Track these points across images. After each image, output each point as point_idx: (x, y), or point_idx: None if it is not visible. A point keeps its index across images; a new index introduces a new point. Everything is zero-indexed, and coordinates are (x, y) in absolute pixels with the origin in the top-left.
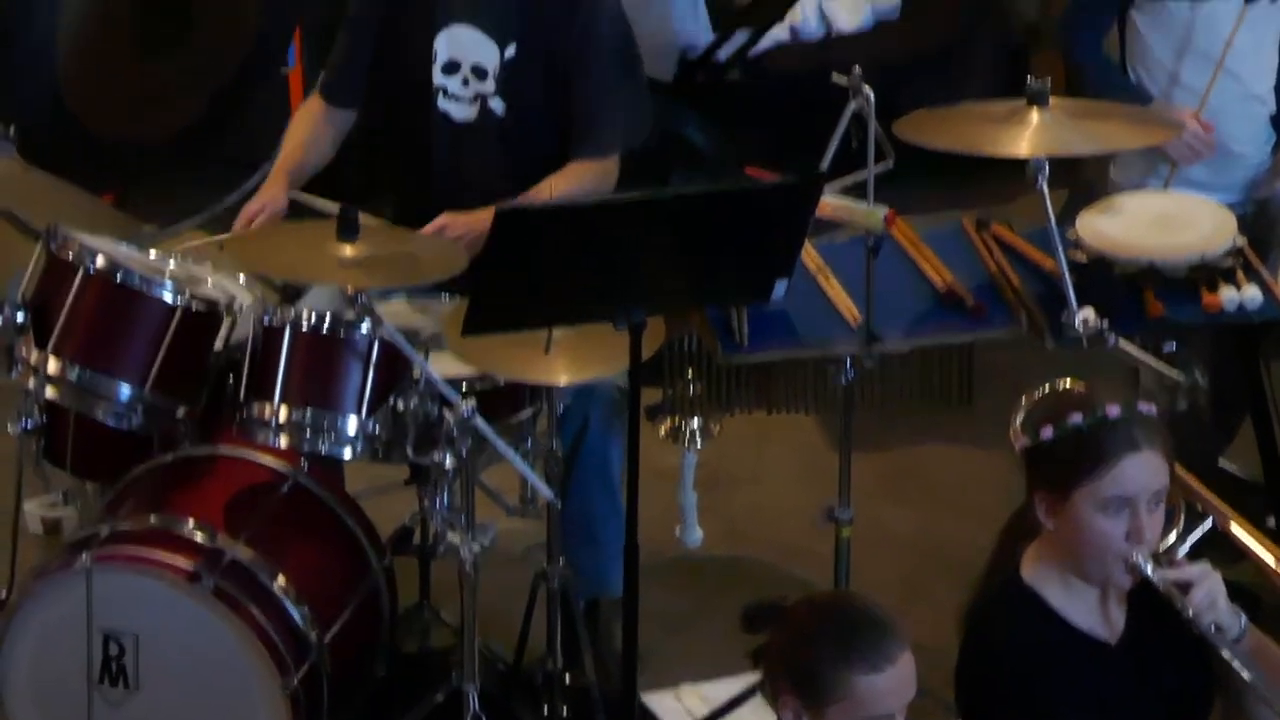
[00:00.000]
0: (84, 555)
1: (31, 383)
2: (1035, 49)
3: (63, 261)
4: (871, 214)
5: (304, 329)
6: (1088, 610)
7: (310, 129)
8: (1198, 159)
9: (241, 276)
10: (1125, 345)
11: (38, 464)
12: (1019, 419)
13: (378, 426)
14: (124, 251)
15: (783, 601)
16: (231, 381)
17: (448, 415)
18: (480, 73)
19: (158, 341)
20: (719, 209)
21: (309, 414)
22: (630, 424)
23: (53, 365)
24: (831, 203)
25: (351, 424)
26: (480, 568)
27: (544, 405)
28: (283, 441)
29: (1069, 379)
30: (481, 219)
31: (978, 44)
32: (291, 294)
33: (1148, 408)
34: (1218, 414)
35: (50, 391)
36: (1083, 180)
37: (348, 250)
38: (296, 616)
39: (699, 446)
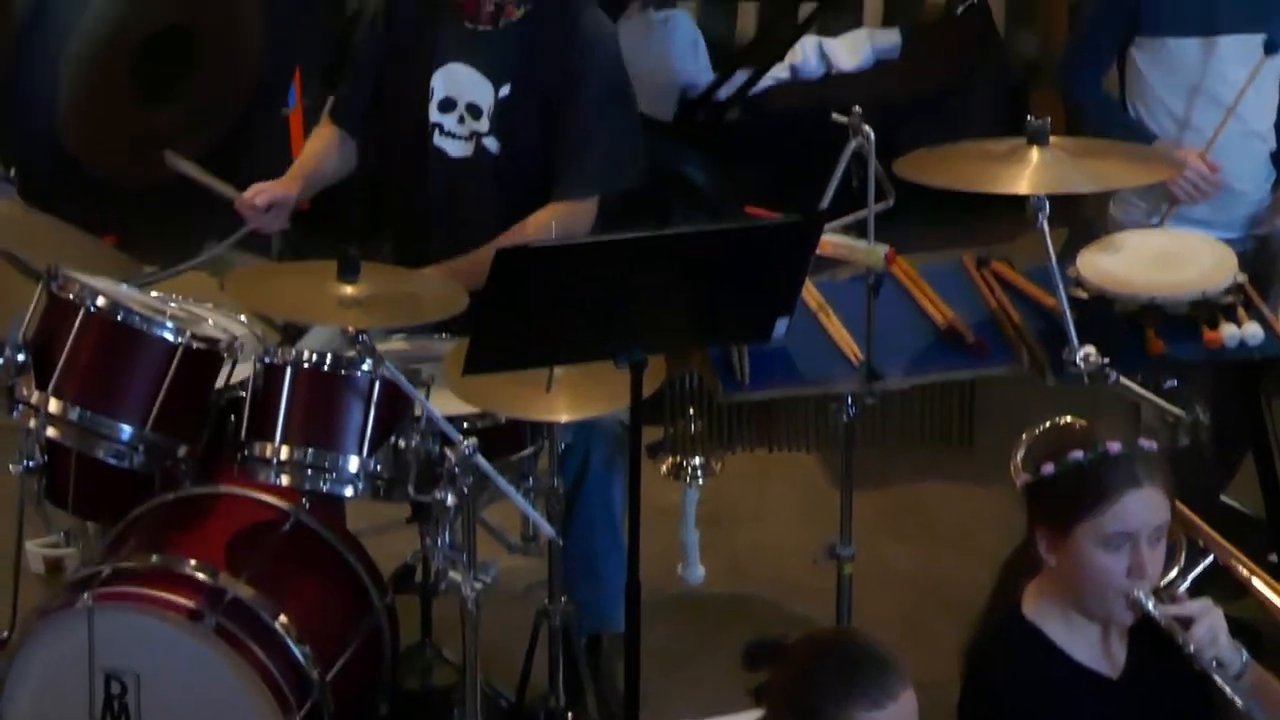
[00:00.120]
0: (85, 594)
1: (33, 423)
2: (1035, 87)
3: (64, 302)
4: (872, 252)
5: (305, 368)
6: (1089, 646)
7: (325, 144)
8: (1203, 198)
9: (242, 316)
10: (1126, 382)
11: (39, 504)
12: (1020, 455)
13: (379, 465)
14: (125, 291)
15: (784, 639)
16: (233, 420)
17: (449, 453)
18: (475, 111)
19: (159, 381)
20: (720, 248)
21: (310, 453)
22: (631, 462)
23: (54, 405)
24: (832, 241)
25: (353, 462)
26: (482, 605)
27: (545, 443)
28: (284, 480)
29: (1070, 415)
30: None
31: (978, 83)
32: (293, 333)
33: (1149, 444)
34: (1219, 450)
35: (51, 431)
36: (1083, 218)
37: (348, 290)
38: (298, 655)
39: (700, 484)
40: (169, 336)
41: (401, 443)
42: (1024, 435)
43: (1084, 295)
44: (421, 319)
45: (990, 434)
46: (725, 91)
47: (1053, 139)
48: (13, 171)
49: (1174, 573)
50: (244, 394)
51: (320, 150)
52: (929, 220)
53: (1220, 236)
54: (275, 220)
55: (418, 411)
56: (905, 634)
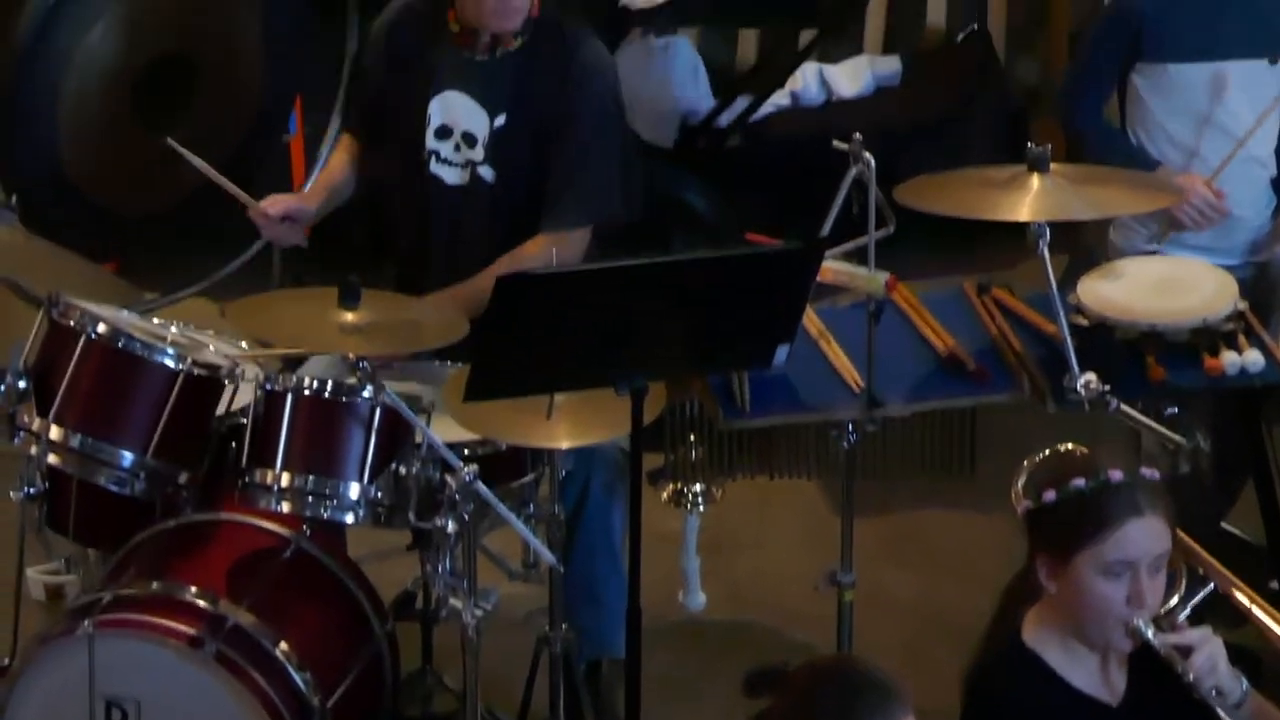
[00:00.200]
0: (86, 621)
1: (34, 449)
2: (1035, 115)
3: (64, 329)
4: (873, 279)
5: (306, 395)
6: (1088, 673)
7: (350, 155)
8: (1209, 225)
9: (243, 343)
10: (1127, 409)
11: (40, 530)
12: (1021, 482)
13: (380, 492)
14: (125, 318)
15: (785, 666)
16: (233, 447)
17: (450, 480)
18: (470, 139)
19: (160, 407)
20: (720, 275)
21: (311, 480)
22: (632, 489)
23: (55, 432)
24: (833, 268)
25: (353, 489)
26: (483, 632)
27: (546, 469)
28: (285, 507)
29: (1072, 442)
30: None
31: (978, 110)
32: (293, 360)
33: (1151, 472)
34: (1220, 477)
35: (53, 458)
36: (1083, 245)
37: (349, 317)
38: (299, 682)
39: (701, 511)
40: (170, 363)
41: (402, 469)
42: (1026, 462)
43: (1085, 322)
44: (422, 346)
45: (991, 461)
46: (726, 118)
47: (1053, 166)
48: (13, 199)
49: (1174, 600)
50: (245, 421)
51: (346, 162)
52: (930, 247)
53: (1220, 263)
54: (291, 234)
55: (418, 438)
56: (906, 661)
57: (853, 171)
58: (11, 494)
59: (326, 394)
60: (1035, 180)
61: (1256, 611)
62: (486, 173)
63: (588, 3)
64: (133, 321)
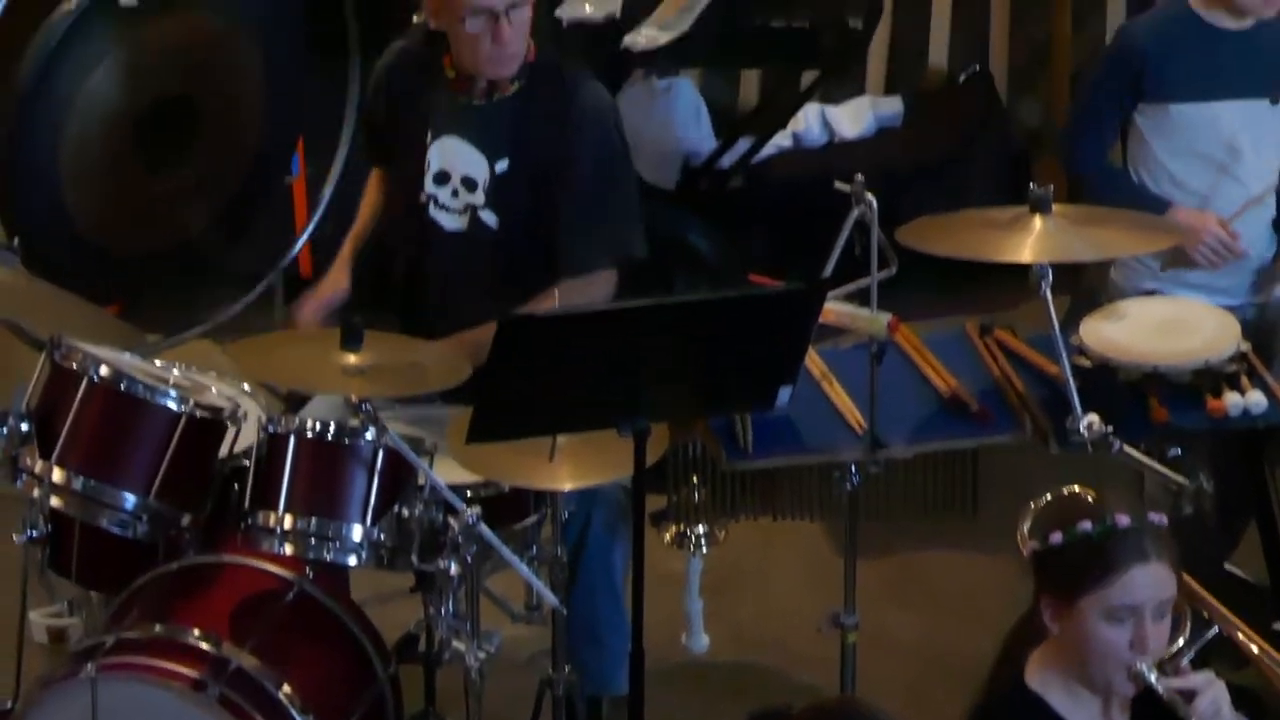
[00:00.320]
0: (89, 664)
1: (36, 492)
2: (1037, 156)
3: (67, 371)
4: (875, 320)
5: (308, 437)
6: (1091, 716)
7: (375, 199)
8: (1222, 264)
9: (246, 384)
10: (1130, 451)
11: (43, 573)
12: (1027, 524)
13: (383, 534)
14: (128, 361)
15: (789, 708)
16: (236, 489)
17: (452, 522)
18: (470, 184)
19: (162, 450)
20: (723, 316)
21: (314, 522)
22: (635, 530)
23: (57, 475)
24: (835, 309)
25: (356, 532)
26: (486, 674)
27: (548, 511)
28: (287, 549)
29: (1079, 485)
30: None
31: (980, 151)
32: (296, 402)
33: (1158, 518)
34: (1223, 518)
35: (55, 501)
36: (1085, 286)
37: (351, 359)
38: None
39: (704, 552)
40: (172, 405)
41: (405, 511)
42: (1032, 503)
43: (1087, 363)
44: (425, 388)
45: (994, 502)
46: (728, 159)
47: (1055, 207)
48: (15, 241)
49: (1179, 643)
50: (247, 463)
51: (372, 208)
52: (932, 288)
53: (1221, 303)
54: (332, 317)
55: (421, 480)
56: (909, 703)
57: (855, 212)
58: (14, 537)
59: (329, 436)
60: (1037, 221)
61: (1260, 653)
62: (488, 217)
63: (590, 45)
64: (135, 364)
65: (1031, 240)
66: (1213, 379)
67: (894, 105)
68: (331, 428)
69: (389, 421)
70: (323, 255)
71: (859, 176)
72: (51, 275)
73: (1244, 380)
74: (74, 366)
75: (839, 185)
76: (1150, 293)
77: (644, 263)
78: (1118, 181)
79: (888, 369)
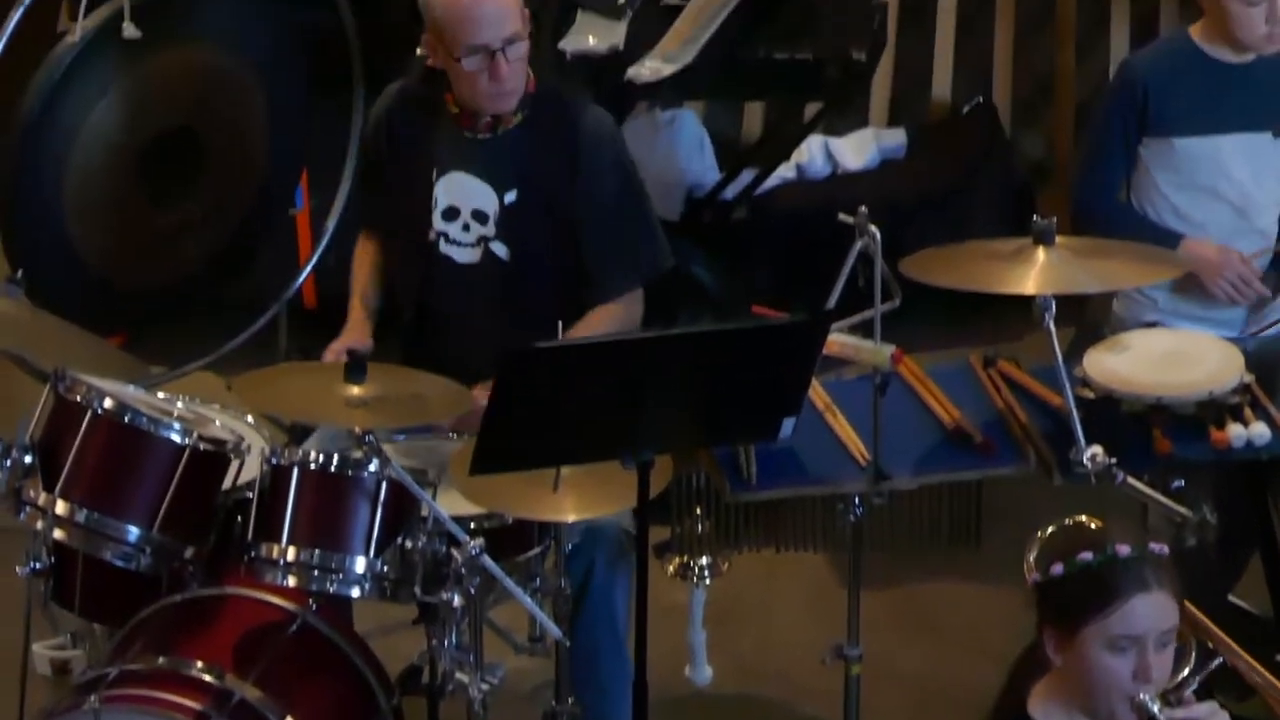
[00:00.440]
0: (92, 697)
1: (40, 524)
2: (1041, 187)
3: (71, 403)
4: (878, 352)
5: (311, 469)
6: None
7: (372, 262)
8: (1244, 301)
9: (249, 417)
10: (1133, 482)
11: (46, 606)
12: (1033, 554)
13: (386, 566)
14: (131, 393)
15: None
16: (239, 521)
17: (456, 554)
18: (481, 217)
19: (166, 482)
20: (726, 348)
21: (317, 554)
22: (639, 562)
23: (61, 507)
24: (838, 341)
25: (359, 564)
26: (489, 706)
27: (552, 543)
28: (291, 581)
29: (1085, 515)
30: None
31: (983, 183)
32: (299, 434)
33: (1159, 547)
34: (1226, 550)
35: (58, 533)
36: (1089, 317)
37: (355, 390)
38: None
39: (707, 584)
40: (176, 438)
41: (408, 543)
42: (1038, 534)
43: (1091, 395)
44: (428, 420)
45: (998, 534)
46: (731, 191)
47: (1059, 239)
48: (20, 273)
49: (1183, 674)
50: (251, 495)
51: (370, 272)
52: (935, 320)
53: (1223, 335)
54: None
55: (424, 512)
56: None
57: (858, 244)
58: (17, 569)
59: (332, 468)
60: (1041, 253)
61: (1264, 684)
62: (500, 249)
63: (593, 77)
64: (139, 396)
65: (1035, 272)
66: (1216, 410)
67: (897, 137)
68: (334, 460)
69: (392, 453)
70: (326, 287)
71: (862, 208)
72: (55, 307)
73: (1247, 412)
74: (78, 399)
75: (842, 217)
76: (1152, 324)
77: (647, 294)
78: (1130, 218)
79: (891, 401)
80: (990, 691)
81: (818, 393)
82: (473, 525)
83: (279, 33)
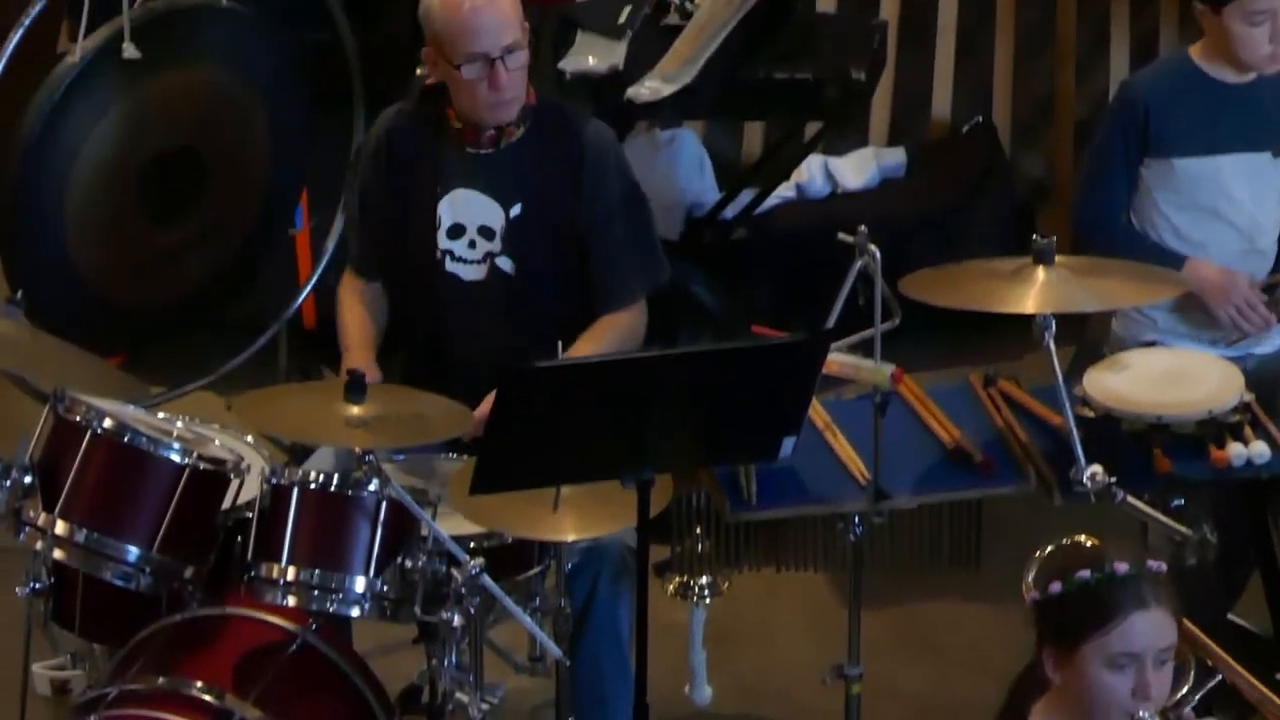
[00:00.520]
0: (92, 717)
1: (39, 545)
2: (1040, 207)
3: (70, 423)
4: (878, 371)
5: (311, 489)
6: None
7: (361, 308)
8: (1251, 329)
9: (249, 436)
10: (1133, 501)
11: (46, 626)
12: (1032, 573)
13: (386, 585)
14: (131, 413)
15: None
16: (239, 541)
17: (456, 573)
18: (488, 233)
19: (165, 502)
20: (726, 367)
21: (317, 574)
22: (639, 581)
23: (61, 527)
24: (838, 360)
25: (359, 583)
26: None
27: (552, 562)
28: (291, 601)
29: (1084, 534)
30: None
31: (983, 202)
32: (299, 453)
33: (1157, 565)
34: (1226, 569)
35: (58, 553)
36: (1089, 337)
37: (355, 410)
38: None
39: (708, 603)
40: (176, 458)
41: (408, 563)
42: (1037, 553)
43: (1091, 414)
44: (428, 439)
45: (998, 553)
46: (731, 210)
47: (1058, 258)
48: (19, 293)
49: (1183, 691)
50: (250, 515)
51: (359, 319)
52: (935, 340)
53: (1223, 354)
54: None
55: (424, 531)
56: None
57: (858, 264)
58: (17, 589)
59: (332, 488)
60: (1040, 272)
61: (1263, 701)
62: (505, 263)
63: (593, 97)
64: (138, 416)
65: (1034, 291)
66: (1216, 429)
67: (897, 156)
68: (334, 479)
69: (392, 473)
70: (326, 307)
71: (862, 228)
72: (55, 328)
73: (1247, 430)
74: (77, 419)
75: (842, 236)
76: (1151, 344)
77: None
78: (1132, 239)
79: (891, 420)
80: (990, 710)
81: (818, 412)
82: (473, 545)
83: (280, 53)
